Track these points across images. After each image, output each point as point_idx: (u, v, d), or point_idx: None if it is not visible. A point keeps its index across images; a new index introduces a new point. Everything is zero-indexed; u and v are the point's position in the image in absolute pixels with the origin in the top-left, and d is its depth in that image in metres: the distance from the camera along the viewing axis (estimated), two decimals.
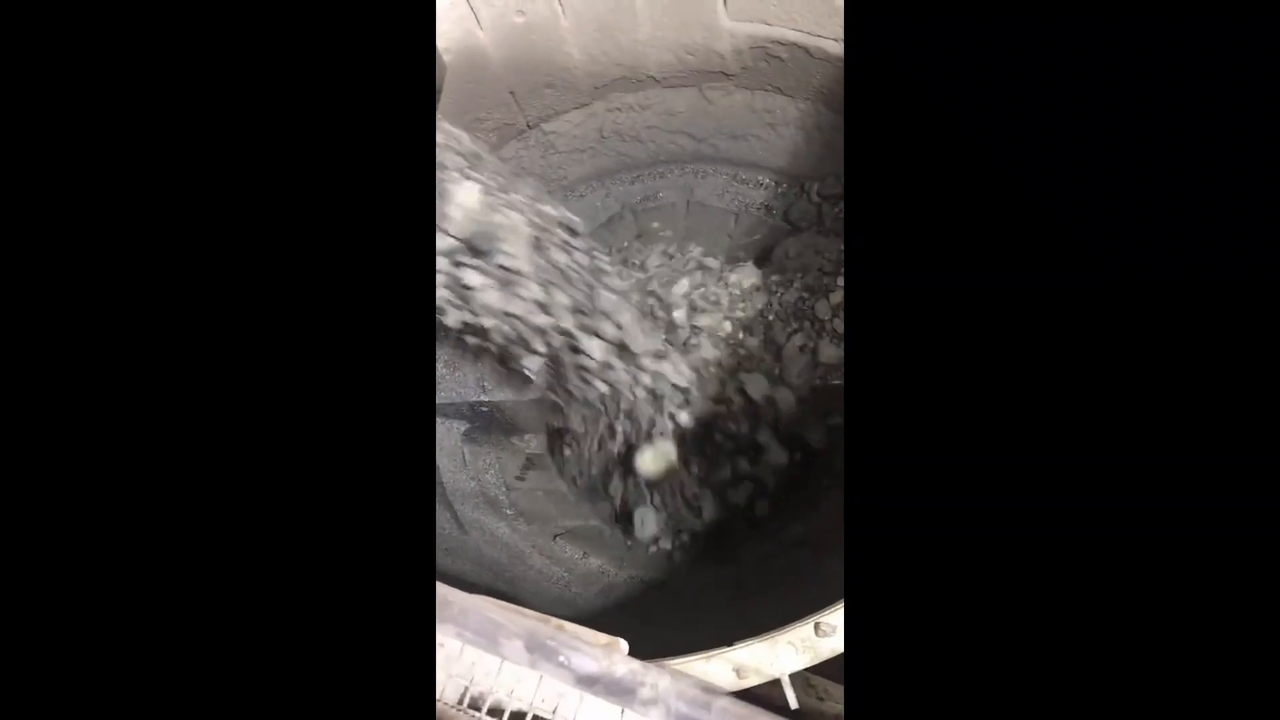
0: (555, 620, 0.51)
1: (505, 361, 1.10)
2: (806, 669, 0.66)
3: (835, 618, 0.65)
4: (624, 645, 0.60)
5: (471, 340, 1.03)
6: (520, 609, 0.52)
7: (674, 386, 1.28)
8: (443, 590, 0.52)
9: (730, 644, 0.68)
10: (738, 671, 0.65)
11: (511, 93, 1.32)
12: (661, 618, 1.21)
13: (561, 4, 1.19)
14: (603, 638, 0.57)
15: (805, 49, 1.22)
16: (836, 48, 1.19)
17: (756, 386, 1.33)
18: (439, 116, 0.92)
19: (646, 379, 1.22)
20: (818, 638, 0.65)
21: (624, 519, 1.35)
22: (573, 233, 1.04)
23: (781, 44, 1.23)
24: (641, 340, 1.16)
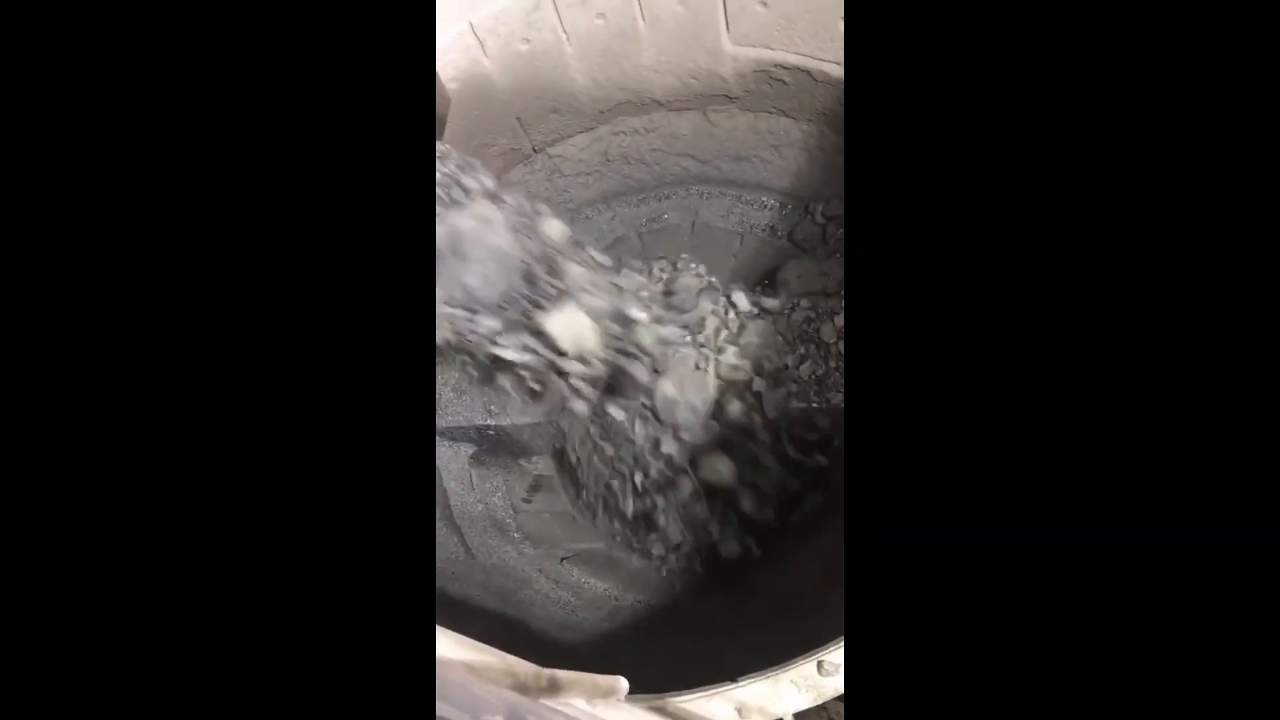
0: (548, 672, 0.50)
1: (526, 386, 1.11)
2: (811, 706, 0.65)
3: (839, 656, 0.64)
4: (624, 685, 0.59)
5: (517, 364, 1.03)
6: (513, 665, 0.50)
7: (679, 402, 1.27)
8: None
9: (734, 678, 0.67)
10: (739, 710, 0.63)
11: (517, 118, 1.33)
12: (668, 644, 1.20)
13: (566, 31, 1.20)
14: (602, 680, 0.56)
15: (808, 72, 1.22)
16: (839, 71, 1.19)
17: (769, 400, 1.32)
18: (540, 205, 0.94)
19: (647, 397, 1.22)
20: (821, 676, 0.63)
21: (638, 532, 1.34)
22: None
23: (784, 68, 1.24)
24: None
